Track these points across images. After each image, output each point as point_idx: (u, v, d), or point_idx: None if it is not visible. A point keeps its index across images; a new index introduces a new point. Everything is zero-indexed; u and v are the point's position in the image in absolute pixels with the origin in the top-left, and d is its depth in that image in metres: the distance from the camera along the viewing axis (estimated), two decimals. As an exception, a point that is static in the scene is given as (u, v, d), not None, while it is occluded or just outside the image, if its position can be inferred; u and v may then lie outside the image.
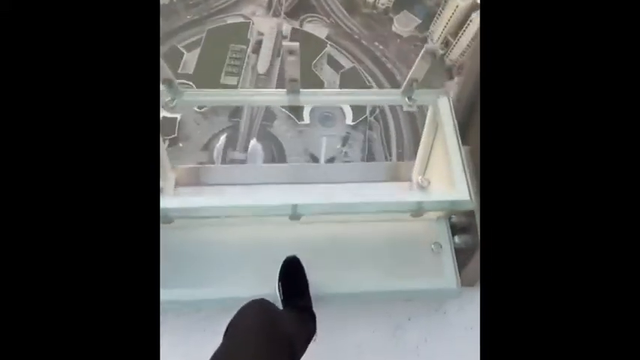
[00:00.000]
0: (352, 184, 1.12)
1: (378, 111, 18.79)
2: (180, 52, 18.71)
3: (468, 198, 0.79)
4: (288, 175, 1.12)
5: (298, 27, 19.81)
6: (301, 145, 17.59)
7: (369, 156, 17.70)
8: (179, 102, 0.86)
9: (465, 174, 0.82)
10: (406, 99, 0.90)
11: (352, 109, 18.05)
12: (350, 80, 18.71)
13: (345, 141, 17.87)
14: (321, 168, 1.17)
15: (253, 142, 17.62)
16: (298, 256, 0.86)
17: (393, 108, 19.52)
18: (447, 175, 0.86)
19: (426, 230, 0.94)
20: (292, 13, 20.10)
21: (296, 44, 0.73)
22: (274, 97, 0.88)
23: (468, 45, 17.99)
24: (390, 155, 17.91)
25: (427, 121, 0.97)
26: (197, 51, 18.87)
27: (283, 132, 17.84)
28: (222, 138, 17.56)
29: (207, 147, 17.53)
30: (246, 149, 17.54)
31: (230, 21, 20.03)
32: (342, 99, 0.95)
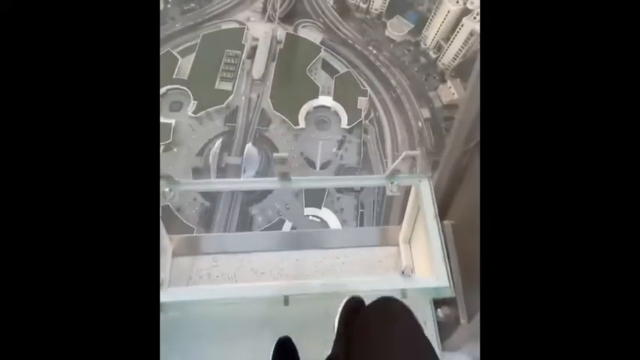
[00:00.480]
0: (344, 250, 1.18)
1: (373, 114, 18.90)
2: (175, 57, 18.61)
3: (448, 285, 0.86)
4: (284, 242, 1.17)
5: (292, 32, 19.84)
6: (297, 148, 17.61)
7: (365, 159, 17.78)
8: (177, 192, 0.92)
9: (445, 261, 0.89)
10: (389, 184, 0.96)
11: (347, 113, 18.14)
12: (344, 84, 18.79)
13: (340, 144, 17.93)
14: (314, 234, 1.22)
15: (249, 146, 17.58)
16: (289, 334, 0.92)
17: (387, 111, 19.67)
18: (428, 251, 0.93)
19: (411, 305, 1.01)
20: (286, 19, 20.13)
21: (285, 154, 0.79)
22: (269, 184, 0.94)
23: (459, 49, 18.22)
24: (386, 158, 18.02)
25: (410, 199, 1.04)
26: (192, 56, 18.79)
27: (279, 136, 17.85)
28: (218, 143, 17.49)
29: (203, 152, 17.46)
30: (241, 154, 17.49)
31: (225, 27, 19.98)
32: (330, 184, 1.01)
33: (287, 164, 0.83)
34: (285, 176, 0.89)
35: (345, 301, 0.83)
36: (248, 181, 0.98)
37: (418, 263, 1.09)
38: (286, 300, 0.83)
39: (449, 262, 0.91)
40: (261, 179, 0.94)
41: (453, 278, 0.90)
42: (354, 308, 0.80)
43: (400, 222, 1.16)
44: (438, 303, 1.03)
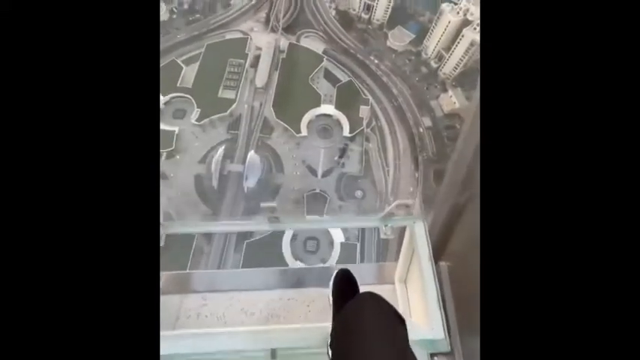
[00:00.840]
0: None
1: (374, 123, 18.98)
2: (179, 66, 18.90)
3: (443, 337, 0.82)
4: (276, 280, 1.14)
5: (295, 42, 20.15)
6: (299, 156, 17.66)
7: (367, 167, 17.78)
8: (163, 235, 0.90)
9: (440, 310, 0.85)
10: (383, 226, 0.93)
11: (349, 122, 18.22)
12: (346, 93, 18.94)
13: (342, 152, 17.96)
14: (306, 271, 1.19)
15: (251, 153, 17.67)
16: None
17: (389, 120, 19.74)
18: (423, 295, 0.89)
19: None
20: (289, 29, 20.47)
21: (274, 204, 0.77)
22: (259, 226, 0.92)
23: (460, 58, 18.38)
24: (388, 166, 18.01)
25: (405, 240, 1.01)
26: (196, 65, 19.08)
27: (281, 144, 17.94)
28: (220, 150, 17.59)
29: (205, 159, 17.55)
30: (244, 161, 17.55)
31: (229, 36, 20.34)
32: (319, 226, 0.99)
33: (276, 211, 0.81)
34: (274, 219, 0.87)
35: (334, 275, 0.93)
36: (237, 224, 0.96)
37: (414, 304, 1.05)
38: (273, 353, 0.79)
39: (444, 308, 0.87)
40: (252, 222, 0.92)
41: (449, 325, 0.86)
42: (342, 284, 0.91)
43: (401, 241, 1.12)
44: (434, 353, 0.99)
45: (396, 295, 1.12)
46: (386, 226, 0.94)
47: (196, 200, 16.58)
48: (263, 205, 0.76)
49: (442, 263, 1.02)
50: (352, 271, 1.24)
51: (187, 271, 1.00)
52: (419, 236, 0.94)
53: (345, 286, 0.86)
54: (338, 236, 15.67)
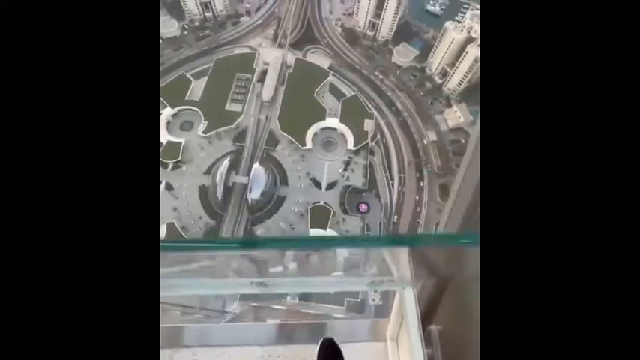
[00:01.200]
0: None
1: (379, 137, 19.07)
2: (188, 79, 19.43)
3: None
4: (267, 336, 1.14)
5: (302, 57, 20.62)
6: (303, 169, 17.74)
7: (371, 180, 17.73)
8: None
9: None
10: (372, 292, 0.93)
11: (354, 135, 18.34)
12: (351, 107, 19.15)
13: (347, 165, 17.99)
14: (299, 327, 1.19)
15: (256, 165, 17.81)
16: None
17: (394, 134, 19.83)
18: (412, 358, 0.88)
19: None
20: (296, 45, 21.00)
21: (263, 280, 0.78)
22: (247, 289, 0.93)
23: (465, 74, 18.55)
24: (392, 180, 17.93)
25: (395, 303, 1.00)
26: (204, 79, 19.59)
27: (286, 156, 18.07)
28: (226, 162, 17.78)
29: (210, 171, 17.73)
30: (248, 173, 17.67)
31: (237, 52, 20.95)
32: (305, 289, 1.00)
33: (264, 283, 0.83)
34: (262, 285, 0.88)
35: (319, 344, 0.96)
36: (227, 283, 0.97)
37: (406, 364, 1.03)
38: None
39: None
40: (240, 284, 0.93)
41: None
42: (328, 355, 0.94)
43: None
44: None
45: (388, 354, 1.11)
46: (375, 291, 0.94)
47: (200, 211, 16.65)
48: (253, 280, 0.77)
49: (433, 327, 1.01)
50: (343, 328, 1.24)
51: (178, 324, 1.00)
52: (408, 302, 0.94)
53: (329, 356, 0.87)
54: (341, 249, 15.46)
